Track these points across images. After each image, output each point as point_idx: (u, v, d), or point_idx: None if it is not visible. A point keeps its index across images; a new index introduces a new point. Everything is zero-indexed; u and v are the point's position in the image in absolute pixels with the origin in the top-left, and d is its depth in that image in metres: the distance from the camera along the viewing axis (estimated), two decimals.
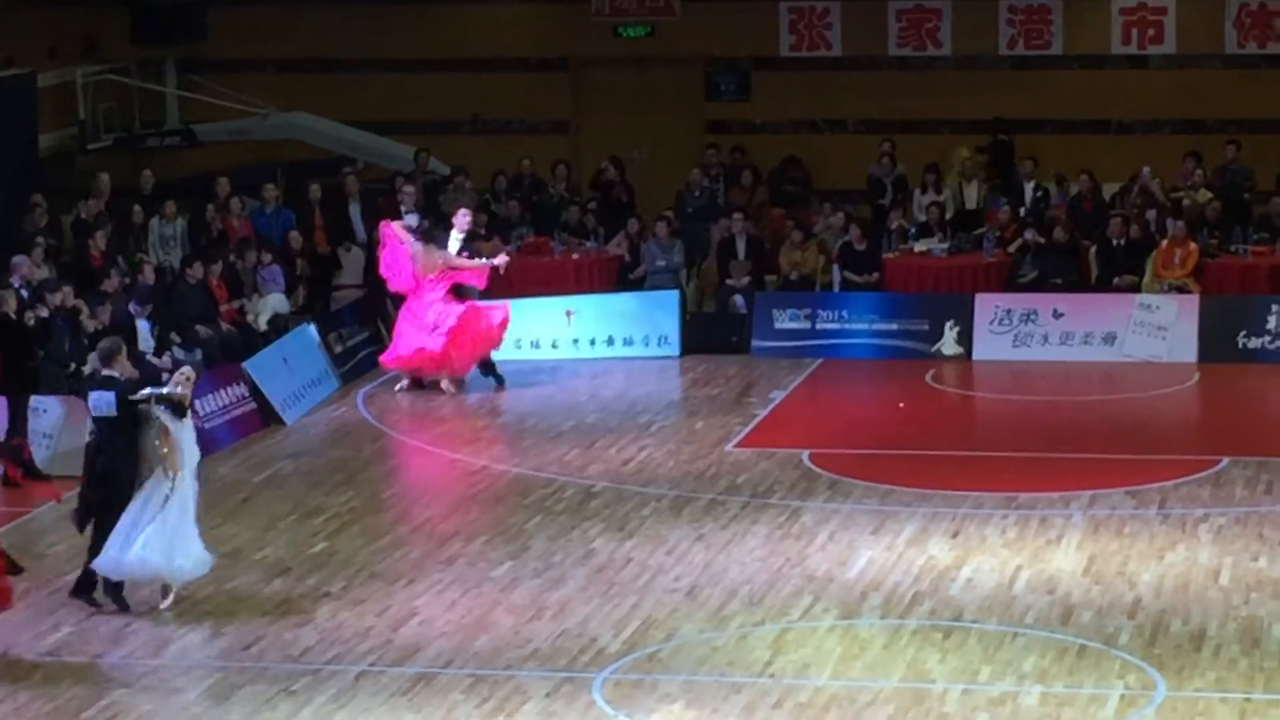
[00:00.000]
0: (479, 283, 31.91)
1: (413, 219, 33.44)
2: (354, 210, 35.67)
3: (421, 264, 31.17)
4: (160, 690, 20.19)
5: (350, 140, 39.47)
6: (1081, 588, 22.66)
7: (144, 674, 20.67)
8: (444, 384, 31.55)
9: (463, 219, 32.06)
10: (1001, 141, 37.74)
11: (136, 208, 34.01)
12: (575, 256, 35.29)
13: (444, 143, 38.88)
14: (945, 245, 34.86)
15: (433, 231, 31.56)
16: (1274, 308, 32.36)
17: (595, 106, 40.42)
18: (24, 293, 28.63)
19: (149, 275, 30.79)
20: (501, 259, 31.97)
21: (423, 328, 31.25)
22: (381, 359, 32.10)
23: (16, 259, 30.13)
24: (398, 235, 31.67)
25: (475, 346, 31.71)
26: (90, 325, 28.48)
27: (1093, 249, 34.21)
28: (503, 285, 34.51)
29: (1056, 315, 32.72)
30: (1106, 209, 35.18)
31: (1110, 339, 32.60)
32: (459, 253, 31.72)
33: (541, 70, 40.62)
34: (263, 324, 32.08)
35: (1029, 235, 34.38)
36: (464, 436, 29.27)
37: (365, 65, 40.20)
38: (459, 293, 31.61)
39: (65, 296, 28.86)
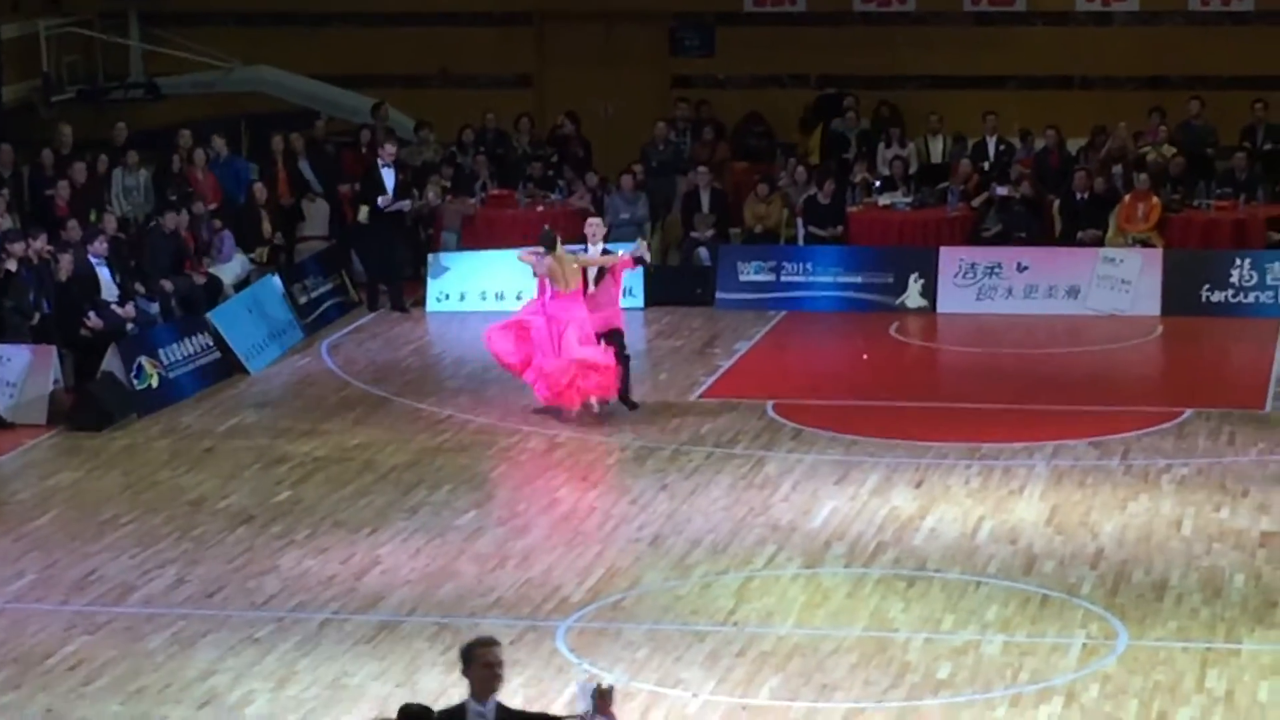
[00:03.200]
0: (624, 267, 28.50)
1: (389, 174, 33.39)
2: (304, 164, 35.60)
3: (558, 275, 27.46)
4: (124, 637, 20.20)
5: (313, 93, 39.47)
6: (1044, 538, 22.71)
7: (107, 621, 20.67)
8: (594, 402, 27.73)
9: (594, 228, 28.55)
10: None
11: (103, 157, 33.92)
12: (539, 209, 35.27)
13: (409, 96, 38.87)
14: (909, 199, 34.90)
15: (551, 237, 27.80)
16: (1237, 261, 32.42)
17: (560, 61, 40.39)
18: None
19: (110, 225, 30.68)
20: (644, 249, 29.10)
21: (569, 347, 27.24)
22: (541, 398, 27.60)
23: None
24: (529, 263, 28.21)
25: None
26: (57, 273, 28.41)
27: (1056, 203, 34.25)
28: (470, 237, 34.58)
29: (1020, 269, 32.76)
30: (1071, 164, 35.23)
31: (1074, 292, 32.63)
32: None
33: (507, 24, 40.61)
34: (229, 289, 31.93)
35: (993, 189, 34.41)
36: (429, 387, 29.24)
37: (330, 19, 40.24)
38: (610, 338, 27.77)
39: (31, 246, 28.77)
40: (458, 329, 32.36)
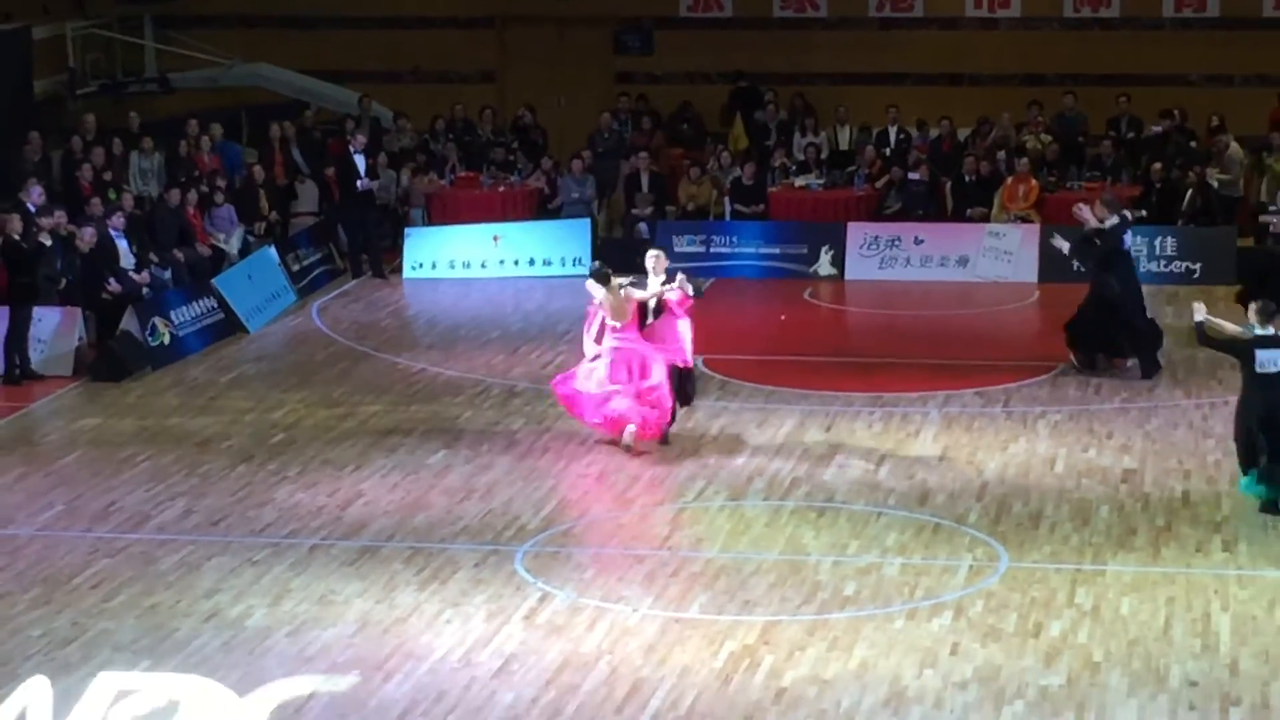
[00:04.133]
0: (681, 308, 24.17)
1: (361, 160, 33.38)
2: (296, 151, 35.57)
3: (612, 308, 23.89)
4: (140, 560, 20.19)
5: (304, 87, 39.38)
6: (936, 474, 22.78)
7: (125, 546, 20.64)
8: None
9: (655, 260, 24.30)
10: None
11: (117, 141, 33.84)
12: (501, 189, 35.29)
13: (388, 91, 38.78)
14: (821, 181, 34.94)
15: (603, 273, 24.02)
16: None
17: (519, 59, 40.37)
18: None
19: (128, 203, 30.62)
20: (686, 282, 24.25)
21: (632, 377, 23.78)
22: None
23: (33, 189, 30.04)
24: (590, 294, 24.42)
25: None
26: (82, 246, 28.33)
27: (949, 184, 34.31)
28: (440, 213, 34.51)
29: (917, 241, 32.81)
30: (961, 150, 35.29)
31: (963, 262, 32.71)
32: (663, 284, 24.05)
33: (471, 27, 40.57)
34: (235, 253, 31.85)
35: (894, 172, 34.46)
36: (404, 343, 29.18)
37: (319, 22, 40.15)
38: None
39: (59, 220, 28.75)
40: (430, 293, 32.35)
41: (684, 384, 24.25)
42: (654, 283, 23.99)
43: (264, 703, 16.85)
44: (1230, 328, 22.04)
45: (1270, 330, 21.04)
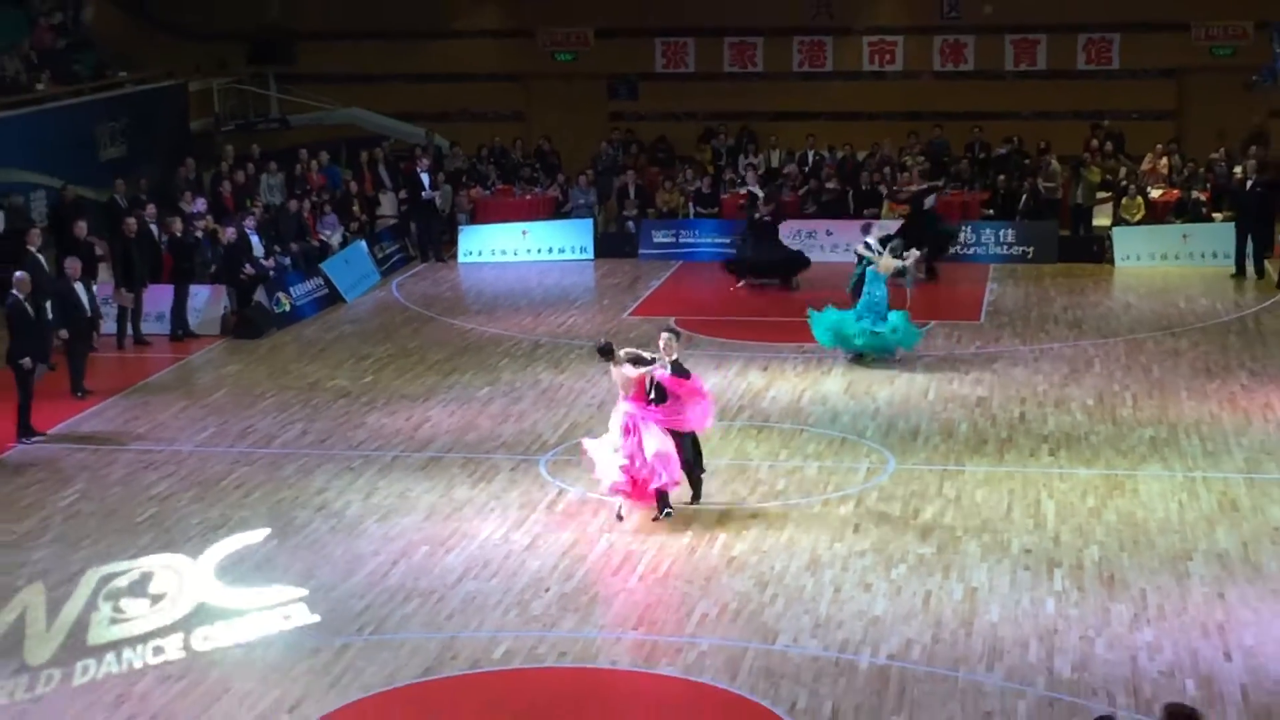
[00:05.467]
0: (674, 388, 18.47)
1: (425, 177, 33.34)
2: (381, 170, 35.48)
3: (616, 381, 18.48)
4: (269, 468, 20.17)
5: (385, 124, 39.16)
6: (842, 401, 22.76)
7: (259, 458, 20.62)
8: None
9: (665, 342, 18.61)
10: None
11: (250, 165, 33.70)
12: (528, 197, 35.10)
13: (445, 127, 38.54)
14: (757, 190, 34.73)
15: (609, 349, 18.40)
16: (964, 227, 32.40)
17: (539, 103, 40.14)
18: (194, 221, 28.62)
19: (259, 209, 30.51)
20: (660, 371, 18.33)
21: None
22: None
23: (197, 200, 30.26)
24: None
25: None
26: (225, 240, 28.24)
27: (851, 192, 34.15)
28: (483, 215, 34.35)
29: (829, 233, 32.63)
30: (859, 168, 35.14)
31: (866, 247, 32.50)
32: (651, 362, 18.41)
33: (505, 80, 40.38)
34: (336, 245, 31.73)
35: (812, 183, 34.34)
36: (459, 310, 29.07)
37: (396, 77, 39.91)
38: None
39: (208, 222, 28.66)
40: (477, 273, 32.23)
41: (688, 447, 18.53)
42: (661, 362, 18.31)
43: (359, 569, 16.88)
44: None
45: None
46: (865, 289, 24.60)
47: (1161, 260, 31.47)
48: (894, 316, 24.46)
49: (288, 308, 28.19)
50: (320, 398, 23.38)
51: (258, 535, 17.38)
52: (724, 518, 18.20)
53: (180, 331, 26.99)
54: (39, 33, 37.66)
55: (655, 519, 18.01)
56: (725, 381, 23.72)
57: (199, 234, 28.04)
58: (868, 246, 25.37)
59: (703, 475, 18.81)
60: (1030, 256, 32.14)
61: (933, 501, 18.63)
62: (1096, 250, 32.07)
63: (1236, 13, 37.20)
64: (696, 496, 18.67)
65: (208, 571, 16.21)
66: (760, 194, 31.33)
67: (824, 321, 24.54)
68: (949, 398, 22.83)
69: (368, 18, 40.06)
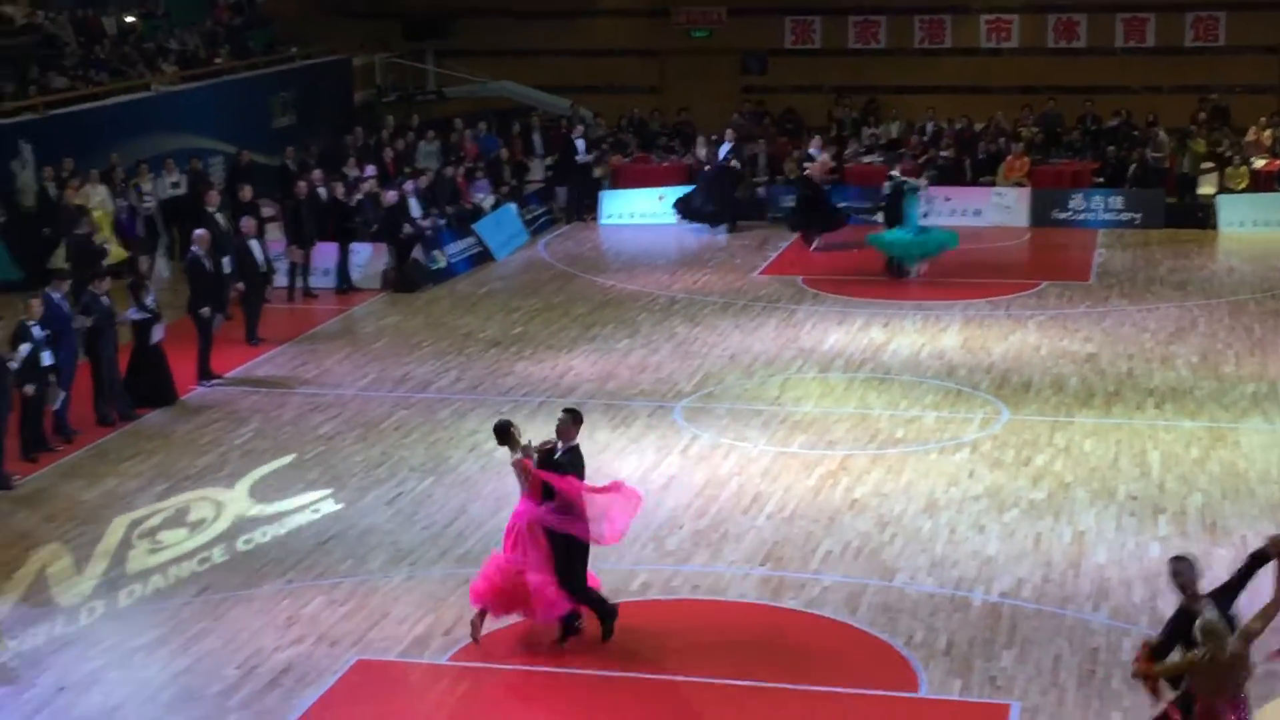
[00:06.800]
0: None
1: (580, 143, 33.45)
2: (535, 137, 35.56)
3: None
4: (425, 412, 20.31)
5: (534, 96, 39.25)
6: (959, 355, 22.56)
7: (416, 402, 20.77)
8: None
9: (560, 424, 13.72)
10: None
11: (410, 134, 33.95)
12: (664, 164, 35.01)
13: (589, 99, 38.51)
14: (880, 159, 34.45)
15: (501, 427, 13.74)
16: (1073, 195, 32.00)
17: (674, 77, 39.97)
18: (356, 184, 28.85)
19: (418, 175, 30.68)
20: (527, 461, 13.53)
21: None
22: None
23: (367, 167, 30.53)
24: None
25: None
26: (386, 202, 28.43)
27: (968, 161, 33.77)
28: (623, 180, 34.24)
29: (946, 200, 32.28)
30: (976, 138, 34.71)
31: (978, 212, 32.17)
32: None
33: (644, 56, 40.26)
34: (488, 208, 31.81)
35: (931, 153, 34.00)
36: (601, 268, 29.06)
37: (544, 52, 39.93)
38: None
39: (371, 186, 28.83)
40: (617, 234, 32.17)
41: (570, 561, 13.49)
42: (530, 449, 13.57)
43: (508, 506, 16.97)
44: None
45: None
46: (906, 211, 27.34)
47: (1264, 226, 30.84)
48: (933, 231, 27.71)
49: (443, 264, 28.37)
50: (472, 347, 23.51)
51: (416, 473, 17.51)
52: (846, 463, 18.11)
53: (345, 285, 27.25)
54: (217, 12, 38.17)
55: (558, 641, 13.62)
56: (849, 336, 23.58)
57: (361, 197, 28.28)
58: (890, 178, 28.39)
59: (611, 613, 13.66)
60: (1138, 222, 31.64)
61: (1043, 450, 18.43)
62: (1201, 216, 31.52)
63: None
64: (606, 630, 13.58)
65: (369, 504, 16.38)
66: (817, 156, 31.16)
67: (884, 240, 27.47)
68: (1060, 354, 22.55)
69: None
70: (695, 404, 20.44)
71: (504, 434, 13.65)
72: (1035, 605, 14.33)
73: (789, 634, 13.99)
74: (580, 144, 33.45)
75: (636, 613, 14.30)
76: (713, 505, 16.89)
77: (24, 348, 18.18)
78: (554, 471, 13.35)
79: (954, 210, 31.91)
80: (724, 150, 32.41)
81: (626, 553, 15.57)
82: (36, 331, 18.38)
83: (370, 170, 30.42)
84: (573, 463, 13.46)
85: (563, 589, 13.38)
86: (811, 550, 15.65)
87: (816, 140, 32.99)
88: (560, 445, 13.51)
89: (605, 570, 15.09)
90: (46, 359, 18.47)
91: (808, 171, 30.79)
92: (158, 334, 20.60)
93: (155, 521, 16.78)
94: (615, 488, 13.67)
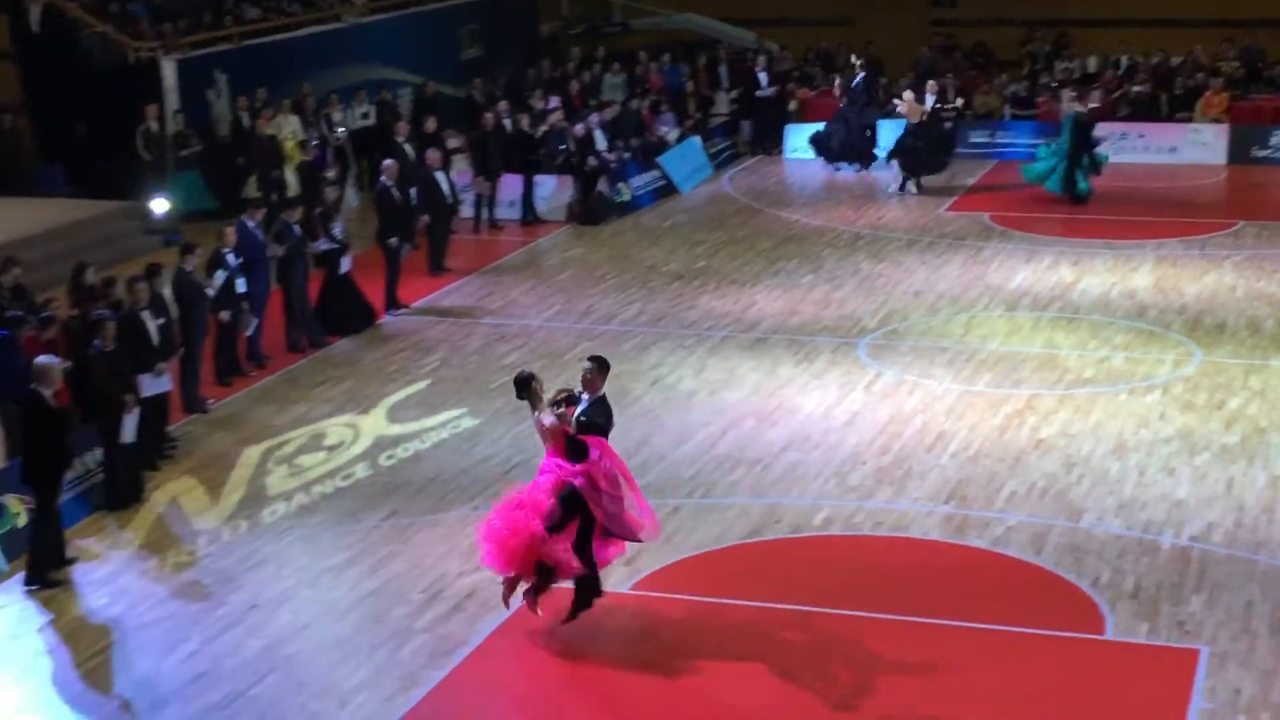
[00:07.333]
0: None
1: (763, 76, 33.28)
2: (721, 70, 35.45)
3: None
4: (609, 343, 20.38)
5: (719, 29, 39.05)
6: (1151, 296, 22.16)
7: (599, 334, 20.85)
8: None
9: (587, 373, 12.83)
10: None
11: (597, 66, 34.05)
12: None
13: (774, 31, 38.21)
14: (1073, 94, 33.76)
15: (526, 382, 12.80)
16: (1274, 131, 31.19)
17: (863, 9, 39.43)
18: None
19: (603, 107, 30.78)
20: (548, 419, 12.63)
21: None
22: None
23: (551, 99, 30.68)
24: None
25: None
26: (573, 135, 28.53)
27: (1164, 96, 33.04)
28: (809, 114, 33.89)
29: (1141, 135, 31.63)
30: (1173, 73, 33.93)
31: (1174, 149, 31.46)
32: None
33: None
34: (673, 141, 31.79)
35: (1126, 89, 33.28)
36: (784, 202, 28.90)
37: None
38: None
39: (557, 119, 28.94)
40: (801, 169, 31.93)
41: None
42: (556, 405, 12.63)
43: (690, 438, 17.07)
44: None
45: None
46: (1071, 141, 27.62)
47: None
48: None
49: (627, 197, 28.46)
50: (656, 280, 23.58)
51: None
52: (1032, 402, 17.91)
53: (530, 217, 27.47)
54: None
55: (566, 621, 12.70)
56: (1036, 275, 23.25)
57: (547, 129, 28.42)
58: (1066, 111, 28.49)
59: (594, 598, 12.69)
60: None
61: (1237, 394, 18.05)
62: None
63: None
64: (574, 611, 12.63)
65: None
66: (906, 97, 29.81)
67: (1033, 170, 28.11)
68: (1256, 295, 22.03)
69: None
70: (879, 340, 20.33)
71: (524, 386, 12.70)
72: (1227, 550, 14.08)
73: (973, 572, 13.90)
74: (762, 77, 33.26)
75: (818, 548, 14.33)
76: (896, 442, 16.82)
77: (219, 275, 18.62)
78: (586, 431, 12.28)
79: (1148, 147, 31.29)
80: (857, 82, 30.84)
81: (808, 487, 15.59)
82: (231, 259, 18.81)
83: (554, 102, 30.57)
84: (599, 416, 12.40)
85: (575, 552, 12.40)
86: (996, 489, 15.52)
87: (907, 84, 32.08)
88: (586, 397, 12.53)
89: (786, 505, 15.14)
90: (241, 286, 18.90)
91: (900, 111, 29.80)
92: (346, 264, 20.95)
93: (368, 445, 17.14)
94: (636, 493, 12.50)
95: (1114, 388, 18.36)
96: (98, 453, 15.74)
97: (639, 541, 12.79)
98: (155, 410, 16.55)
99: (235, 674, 12.36)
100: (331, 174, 25.92)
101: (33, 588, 14.02)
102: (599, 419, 12.45)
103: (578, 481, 12.28)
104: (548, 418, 12.51)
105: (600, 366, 12.66)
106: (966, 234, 25.96)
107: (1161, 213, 27.13)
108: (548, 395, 12.73)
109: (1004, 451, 16.47)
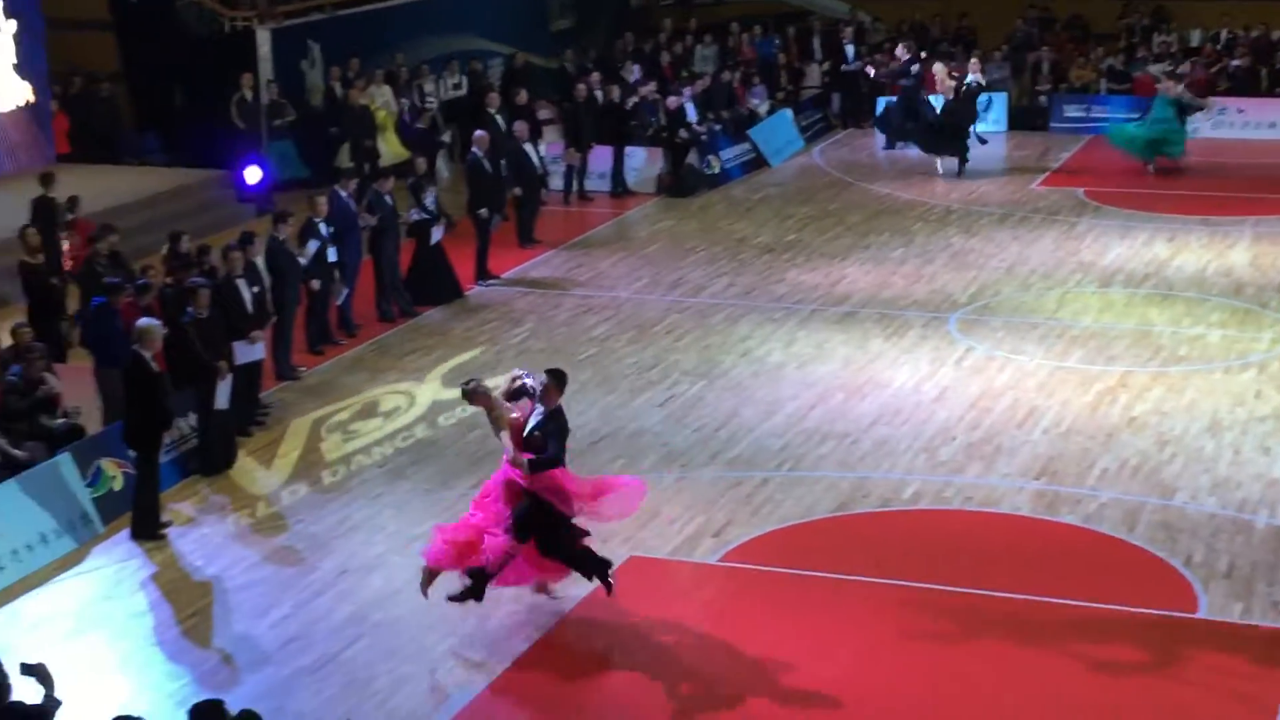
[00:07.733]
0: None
1: (850, 49, 33.09)
2: (814, 41, 35.25)
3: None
4: (698, 317, 20.37)
5: (810, 0, 38.88)
6: (1248, 273, 21.90)
7: (689, 307, 20.85)
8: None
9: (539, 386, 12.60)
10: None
11: (689, 38, 34.00)
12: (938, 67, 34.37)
13: (871, 3, 37.97)
14: (1169, 69, 33.35)
15: (471, 391, 12.78)
16: None
17: None
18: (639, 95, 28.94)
19: (694, 80, 30.72)
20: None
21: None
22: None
23: (634, 68, 30.72)
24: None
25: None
26: (665, 108, 28.48)
27: (1264, 70, 32.57)
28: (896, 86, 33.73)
29: (1239, 111, 31.24)
30: (1273, 47, 33.45)
31: (1273, 125, 31.05)
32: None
33: None
34: (763, 113, 31.69)
35: (1226, 62, 32.84)
36: (875, 176, 28.72)
37: None
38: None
39: (650, 90, 28.91)
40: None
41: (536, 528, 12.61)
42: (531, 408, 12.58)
43: (779, 410, 17.06)
44: None
45: None
46: (1161, 113, 27.80)
47: None
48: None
49: (717, 170, 28.43)
50: (745, 253, 23.55)
51: (689, 377, 17.67)
52: (1126, 379, 17.76)
53: (620, 189, 27.49)
54: None
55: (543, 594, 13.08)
56: (1131, 251, 23.04)
57: (637, 100, 28.39)
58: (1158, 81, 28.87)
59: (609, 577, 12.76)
60: None
61: None
62: None
63: None
64: (606, 587, 12.76)
65: (641, 406, 16.58)
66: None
67: (1122, 135, 28.17)
68: None
69: None
70: (970, 315, 20.22)
71: (472, 398, 12.68)
72: None
73: (1065, 549, 13.82)
74: (849, 50, 33.07)
75: (908, 522, 14.31)
76: (986, 418, 16.73)
77: (312, 244, 18.77)
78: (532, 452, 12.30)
79: (1247, 123, 30.92)
80: (908, 63, 30.03)
81: (897, 461, 15.55)
82: (323, 229, 18.96)
83: (638, 73, 30.50)
84: (550, 430, 12.32)
85: (548, 557, 12.60)
86: (1088, 466, 15.42)
87: (904, 46, 31.20)
88: (541, 410, 12.39)
89: (875, 479, 15.12)
90: (332, 255, 19.06)
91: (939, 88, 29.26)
92: (437, 234, 21.06)
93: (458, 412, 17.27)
94: (608, 488, 12.62)
95: (1209, 365, 18.17)
96: (192, 418, 15.95)
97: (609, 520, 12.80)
98: (248, 377, 16.74)
99: (326, 638, 12.50)
100: (446, 138, 26.06)
101: (140, 541, 14.28)
102: (550, 433, 12.33)
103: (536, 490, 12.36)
104: (513, 412, 12.52)
105: (556, 380, 12.49)
106: (1060, 209, 25.74)
107: (1260, 189, 26.78)
108: (497, 390, 12.78)
109: (1096, 428, 16.35)
